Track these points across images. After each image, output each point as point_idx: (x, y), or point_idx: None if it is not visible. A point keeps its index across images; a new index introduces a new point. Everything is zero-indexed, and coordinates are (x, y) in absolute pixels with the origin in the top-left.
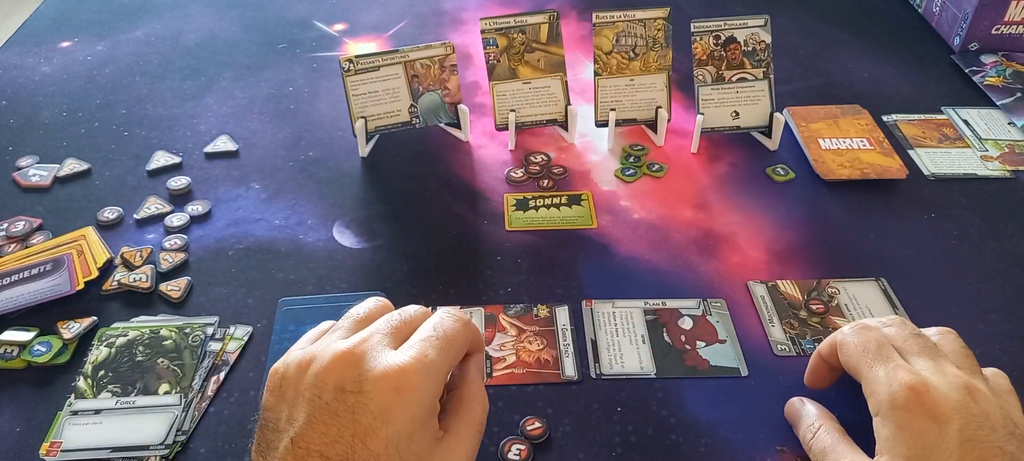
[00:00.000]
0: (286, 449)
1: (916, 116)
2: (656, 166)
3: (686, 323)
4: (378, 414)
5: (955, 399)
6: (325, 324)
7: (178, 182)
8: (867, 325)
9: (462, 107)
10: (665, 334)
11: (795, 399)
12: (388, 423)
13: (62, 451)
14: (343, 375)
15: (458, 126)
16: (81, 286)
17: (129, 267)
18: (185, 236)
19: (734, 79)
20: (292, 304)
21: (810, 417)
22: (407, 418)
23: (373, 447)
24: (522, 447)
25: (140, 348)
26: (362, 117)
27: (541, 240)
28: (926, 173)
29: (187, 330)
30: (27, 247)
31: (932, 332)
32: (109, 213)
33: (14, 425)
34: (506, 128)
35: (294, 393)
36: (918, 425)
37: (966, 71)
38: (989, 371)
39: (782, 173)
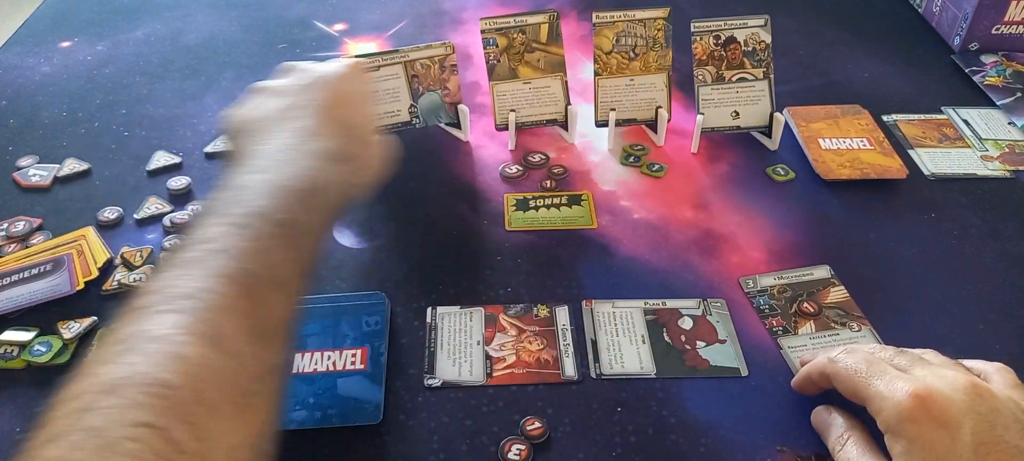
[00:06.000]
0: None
1: (916, 116)
2: (656, 166)
3: (686, 323)
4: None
5: (961, 401)
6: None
7: (178, 182)
8: (852, 348)
9: (462, 107)
10: (665, 334)
11: (821, 408)
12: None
13: None
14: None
15: (458, 126)
16: (81, 286)
17: (129, 267)
18: None
19: (734, 79)
20: None
21: (839, 428)
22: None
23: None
24: (522, 447)
25: None
26: None
27: (541, 240)
28: (926, 173)
29: None
30: (27, 247)
31: (912, 351)
32: (109, 213)
33: (14, 425)
34: (506, 128)
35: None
36: (928, 435)
37: (966, 71)
38: (993, 366)
39: (782, 173)
